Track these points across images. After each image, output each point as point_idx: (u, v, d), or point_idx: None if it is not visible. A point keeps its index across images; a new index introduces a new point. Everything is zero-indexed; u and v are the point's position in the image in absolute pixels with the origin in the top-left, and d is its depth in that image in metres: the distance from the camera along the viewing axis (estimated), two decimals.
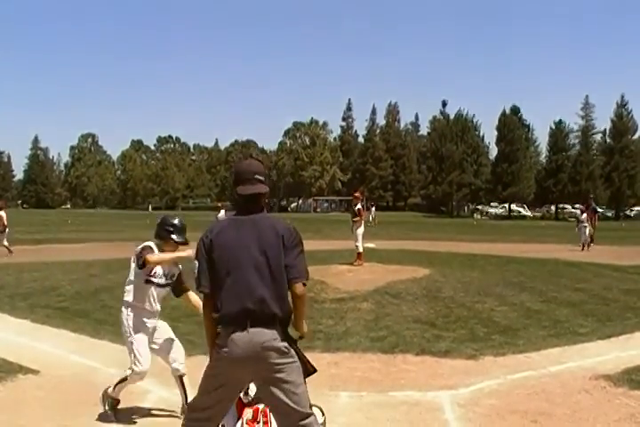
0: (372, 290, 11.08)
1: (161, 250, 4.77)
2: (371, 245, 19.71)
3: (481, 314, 9.09)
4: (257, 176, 3.28)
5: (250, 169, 3.30)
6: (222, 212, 24.01)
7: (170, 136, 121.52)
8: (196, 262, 3.25)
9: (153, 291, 4.79)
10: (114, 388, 4.85)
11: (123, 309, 4.82)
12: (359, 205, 15.29)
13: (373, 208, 48.10)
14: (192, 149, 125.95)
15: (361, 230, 15.01)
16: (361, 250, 14.88)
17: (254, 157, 3.55)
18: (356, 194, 15.91)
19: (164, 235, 4.84)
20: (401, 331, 7.89)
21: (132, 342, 4.72)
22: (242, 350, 3.07)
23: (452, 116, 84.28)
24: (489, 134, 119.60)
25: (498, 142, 78.76)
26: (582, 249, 21.40)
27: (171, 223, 4.87)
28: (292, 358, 3.16)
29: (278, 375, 3.10)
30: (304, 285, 3.19)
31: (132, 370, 4.71)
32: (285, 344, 3.14)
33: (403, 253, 19.04)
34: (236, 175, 3.32)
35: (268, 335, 3.09)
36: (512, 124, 77.11)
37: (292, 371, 3.14)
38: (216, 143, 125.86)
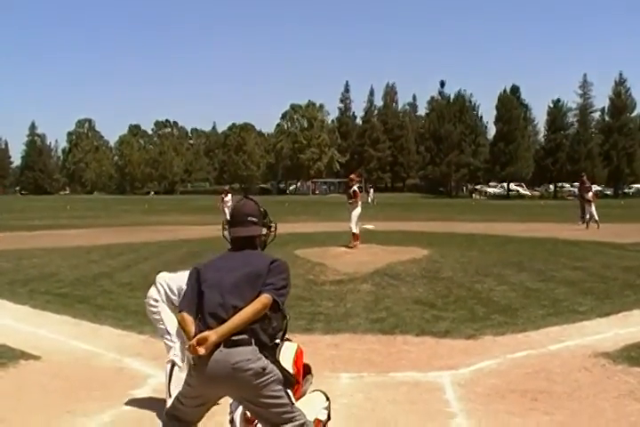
0: (371, 271, 11.07)
1: None
2: (369, 226, 19.72)
3: (480, 294, 9.10)
4: (250, 218, 3.33)
5: (242, 211, 3.37)
6: (229, 196, 23.89)
7: (167, 120, 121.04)
8: (184, 287, 3.33)
9: None
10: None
11: None
12: (355, 187, 15.21)
13: (372, 190, 48.15)
14: (190, 133, 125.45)
15: (357, 212, 14.90)
16: (355, 230, 14.81)
17: (249, 198, 3.53)
18: (352, 176, 15.89)
19: None
20: (401, 312, 7.90)
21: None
22: (212, 370, 2.96)
23: (450, 97, 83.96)
24: (487, 114, 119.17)
25: (496, 122, 78.51)
26: (587, 226, 21.45)
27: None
28: (269, 374, 3.01)
29: (256, 393, 3.00)
30: (275, 303, 3.06)
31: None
32: (262, 365, 2.98)
33: (401, 235, 19.04)
34: (231, 217, 3.40)
35: (242, 355, 2.96)
36: (510, 104, 76.80)
37: (270, 386, 3.01)
38: (214, 127, 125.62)
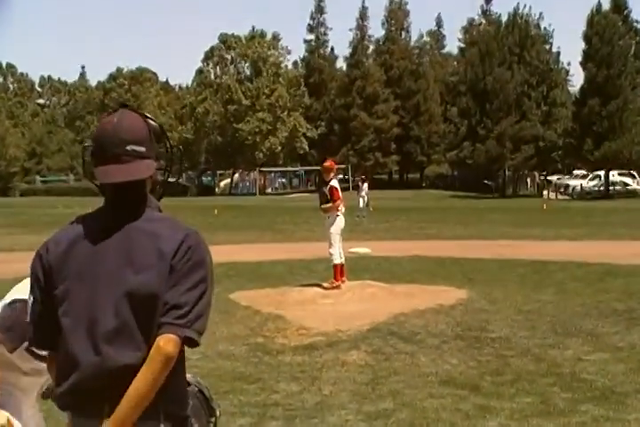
0: (365, 329, 11.17)
1: None
2: (362, 249, 19.75)
3: (560, 368, 9.20)
4: (131, 147, 3.09)
5: (117, 134, 3.11)
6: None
7: None
8: (30, 299, 3.16)
9: None
10: None
11: None
12: (333, 183, 15.18)
13: (365, 185, 48.31)
14: (38, 87, 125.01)
15: (337, 226, 14.91)
16: (338, 261, 14.81)
17: (130, 108, 3.28)
18: (326, 164, 15.80)
19: None
20: (419, 400, 7.94)
21: None
22: None
23: (502, 19, 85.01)
24: (569, 49, 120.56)
25: (585, 63, 79.29)
26: None
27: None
28: None
29: None
30: (185, 342, 2.98)
31: None
32: None
33: (418, 263, 19.22)
34: (95, 146, 3.18)
35: None
36: (611, 30, 77.46)
37: None
38: (82, 75, 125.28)
